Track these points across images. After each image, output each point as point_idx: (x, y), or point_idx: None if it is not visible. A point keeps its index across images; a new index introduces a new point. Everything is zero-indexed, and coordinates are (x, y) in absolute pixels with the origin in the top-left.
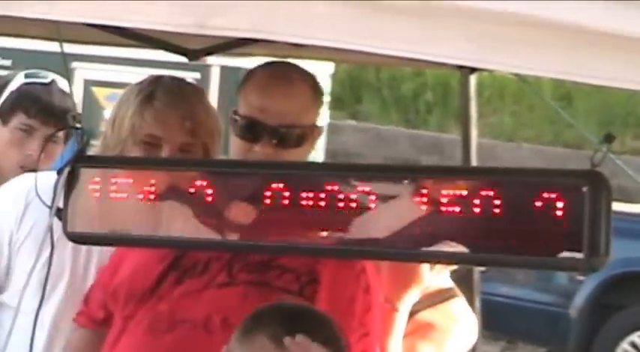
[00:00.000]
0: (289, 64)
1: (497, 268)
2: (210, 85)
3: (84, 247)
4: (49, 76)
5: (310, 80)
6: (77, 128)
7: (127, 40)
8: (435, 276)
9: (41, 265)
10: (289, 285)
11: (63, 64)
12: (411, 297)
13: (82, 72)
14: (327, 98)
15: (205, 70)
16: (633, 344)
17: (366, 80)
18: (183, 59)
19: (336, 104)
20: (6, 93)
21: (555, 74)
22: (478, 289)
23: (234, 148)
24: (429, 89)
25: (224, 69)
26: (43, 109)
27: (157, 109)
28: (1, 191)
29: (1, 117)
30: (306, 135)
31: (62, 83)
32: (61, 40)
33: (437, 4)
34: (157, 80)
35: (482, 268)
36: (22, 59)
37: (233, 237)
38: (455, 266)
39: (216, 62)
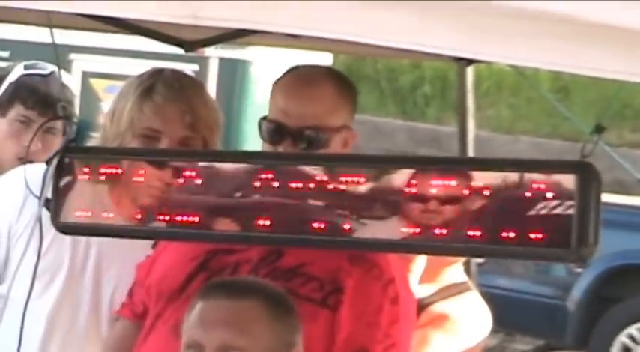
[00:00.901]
0: (319, 66)
1: (494, 260)
2: (208, 76)
3: (82, 241)
4: (49, 68)
5: (338, 82)
6: (67, 118)
7: (123, 30)
8: (450, 270)
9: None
10: (313, 293)
11: (54, 53)
12: (412, 280)
13: (80, 64)
14: None
15: (204, 61)
16: (631, 337)
17: (364, 72)
18: (181, 51)
19: None
20: (5, 84)
21: (549, 66)
22: (475, 281)
23: None
24: (427, 81)
25: (222, 61)
26: (41, 101)
27: (156, 103)
28: (1, 181)
29: None
30: (330, 136)
31: (63, 75)
32: (51, 27)
33: None
34: (157, 73)
35: (480, 260)
36: (20, 50)
37: (222, 228)
38: (463, 259)
39: (214, 54)
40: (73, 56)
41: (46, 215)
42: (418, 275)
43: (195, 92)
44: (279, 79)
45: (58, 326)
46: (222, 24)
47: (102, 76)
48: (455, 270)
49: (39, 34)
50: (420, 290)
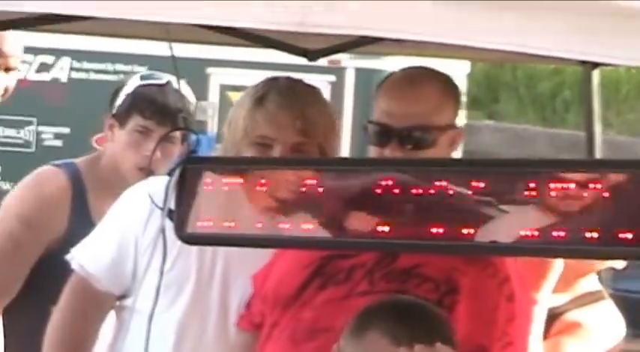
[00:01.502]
0: (422, 67)
1: (636, 265)
2: (345, 87)
3: (209, 251)
4: (164, 78)
5: (441, 81)
6: (189, 129)
7: (244, 41)
8: (585, 279)
9: (165, 269)
10: (428, 295)
11: (173, 66)
12: (548, 288)
13: (218, 77)
14: (463, 98)
15: (340, 72)
16: None
17: (503, 79)
18: (319, 62)
19: (473, 104)
20: (122, 95)
21: None
22: (608, 288)
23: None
24: (567, 87)
25: (359, 71)
26: (158, 110)
27: (268, 110)
28: (126, 195)
29: (118, 120)
30: (436, 136)
31: (185, 88)
32: (170, 40)
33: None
34: (271, 82)
35: (619, 266)
36: (158, 65)
37: (346, 235)
38: (602, 267)
39: (350, 64)
40: (210, 70)
41: (170, 226)
42: (553, 283)
43: (308, 98)
44: (382, 82)
45: (187, 339)
46: (330, 31)
47: (239, 89)
48: (589, 279)
49: (175, 48)
50: (555, 300)
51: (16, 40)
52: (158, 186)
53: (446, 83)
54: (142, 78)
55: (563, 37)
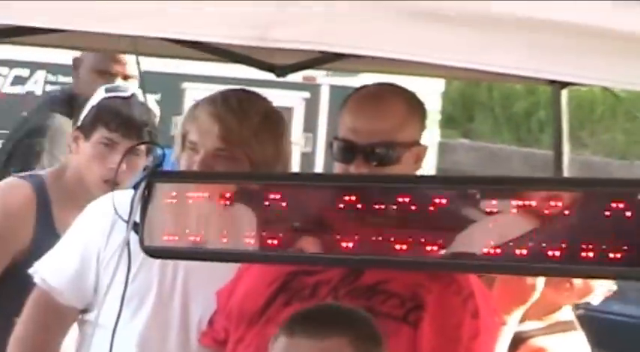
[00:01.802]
0: (387, 84)
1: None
2: (319, 103)
3: (170, 264)
4: (129, 90)
5: (406, 98)
6: (154, 143)
7: (211, 55)
8: (558, 312)
9: (128, 282)
10: (394, 310)
11: (140, 78)
12: (519, 312)
13: (193, 92)
14: (438, 117)
15: (315, 89)
16: None
17: (478, 98)
18: (294, 79)
19: (448, 123)
20: (87, 108)
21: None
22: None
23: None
24: (542, 107)
25: (334, 88)
26: (123, 123)
27: (194, 116)
28: (89, 208)
29: (83, 132)
30: (401, 152)
31: (149, 98)
32: (137, 53)
33: (497, 16)
34: (215, 93)
35: (595, 302)
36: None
37: (309, 250)
38: (579, 301)
39: (325, 81)
40: (185, 85)
41: (134, 239)
42: (525, 308)
43: (234, 107)
44: (347, 98)
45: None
46: (291, 46)
47: None
48: (563, 309)
49: (151, 64)
50: (525, 326)
51: None
52: (123, 199)
53: (410, 99)
54: (107, 90)
55: (528, 56)
